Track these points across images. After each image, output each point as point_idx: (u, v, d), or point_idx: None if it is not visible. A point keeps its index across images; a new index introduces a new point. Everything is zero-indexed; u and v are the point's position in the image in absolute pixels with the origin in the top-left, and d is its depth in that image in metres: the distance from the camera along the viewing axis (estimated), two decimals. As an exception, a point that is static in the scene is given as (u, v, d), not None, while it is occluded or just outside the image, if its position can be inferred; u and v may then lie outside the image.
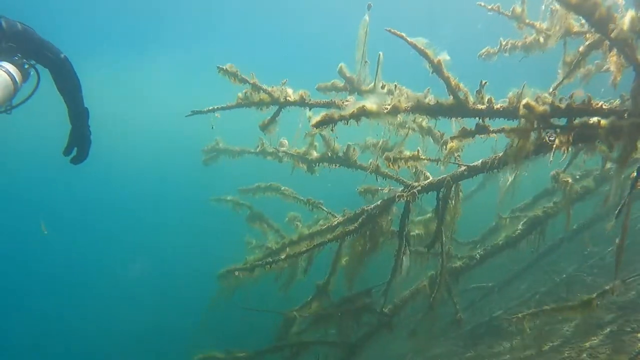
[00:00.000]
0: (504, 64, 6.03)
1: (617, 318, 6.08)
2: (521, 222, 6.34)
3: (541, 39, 4.97)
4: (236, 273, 6.02)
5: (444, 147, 5.47)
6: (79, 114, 5.16)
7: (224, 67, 5.11)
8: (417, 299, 6.21)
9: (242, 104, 5.21)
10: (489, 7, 5.14)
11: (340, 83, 5.63)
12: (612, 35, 3.66)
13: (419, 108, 4.10)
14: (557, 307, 4.92)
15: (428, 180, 5.17)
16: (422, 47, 4.13)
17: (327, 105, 4.76)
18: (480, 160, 4.76)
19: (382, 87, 4.26)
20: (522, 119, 3.93)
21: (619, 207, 4.00)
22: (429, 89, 4.67)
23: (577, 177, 6.52)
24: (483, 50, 5.94)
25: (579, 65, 4.53)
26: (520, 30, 5.06)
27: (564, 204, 5.16)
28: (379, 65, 5.28)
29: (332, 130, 3.94)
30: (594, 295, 4.91)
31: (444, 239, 5.20)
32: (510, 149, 4.11)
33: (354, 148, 5.96)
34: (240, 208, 7.82)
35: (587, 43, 4.32)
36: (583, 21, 4.55)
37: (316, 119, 3.80)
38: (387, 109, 3.92)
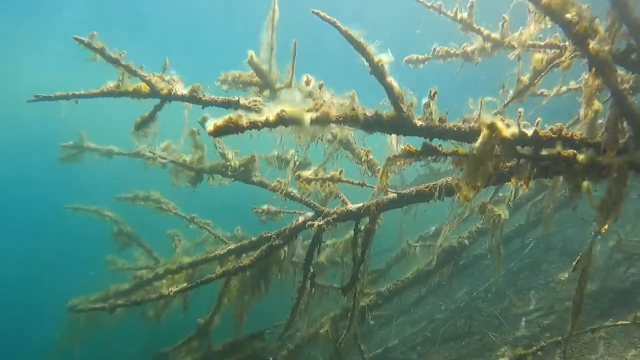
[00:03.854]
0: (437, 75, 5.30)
1: None
2: (434, 253, 5.63)
3: (488, 48, 4.24)
4: (87, 311, 4.56)
5: (366, 166, 4.56)
6: None
7: (84, 40, 3.71)
8: (316, 343, 5.22)
9: (109, 93, 3.84)
10: (428, 4, 4.32)
11: (249, 75, 4.46)
12: (592, 51, 2.97)
13: (353, 119, 3.10)
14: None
15: (346, 207, 4.20)
16: (359, 40, 3.15)
17: (227, 104, 3.59)
18: (415, 188, 3.89)
19: (307, 83, 3.19)
20: (482, 143, 3.12)
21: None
22: (354, 93, 3.72)
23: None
24: (410, 57, 5.12)
25: (532, 85, 3.85)
26: (466, 35, 4.30)
27: (495, 242, 4.50)
28: (294, 58, 4.21)
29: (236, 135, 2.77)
30: (531, 350, 4.31)
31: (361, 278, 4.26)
32: (461, 178, 3.28)
33: (252, 158, 4.83)
34: (104, 220, 6.25)
35: (547, 59, 3.63)
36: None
37: (215, 123, 2.60)
38: (313, 117, 2.85)
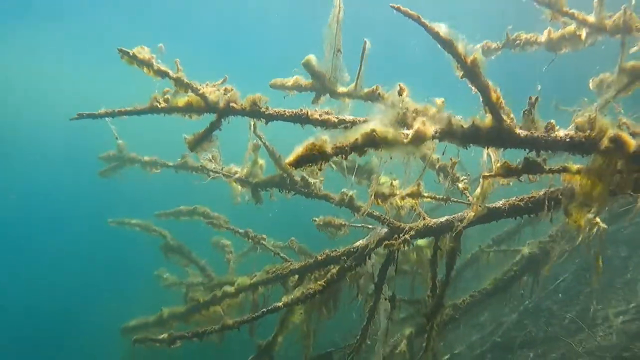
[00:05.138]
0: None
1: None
2: (513, 261, 5.12)
3: (582, 34, 3.67)
4: (144, 342, 4.27)
5: (446, 177, 4.08)
6: None
7: (130, 52, 3.34)
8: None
9: (158, 108, 3.47)
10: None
11: (304, 80, 4.04)
12: None
13: (450, 134, 2.63)
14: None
15: (425, 222, 3.75)
16: (448, 38, 2.67)
17: (295, 118, 3.15)
18: (507, 202, 3.39)
19: (400, 93, 2.75)
20: (602, 158, 2.61)
21: None
22: (442, 101, 3.25)
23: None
24: (480, 45, 4.59)
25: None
26: (555, 21, 3.74)
27: (594, 254, 3.97)
28: (362, 58, 3.75)
29: (320, 168, 2.35)
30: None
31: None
32: (573, 199, 2.78)
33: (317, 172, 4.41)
34: (151, 234, 5.95)
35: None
36: None
37: (297, 152, 2.20)
38: (409, 138, 2.39)
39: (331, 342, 7.55)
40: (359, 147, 2.31)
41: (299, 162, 2.23)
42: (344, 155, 2.30)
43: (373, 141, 2.32)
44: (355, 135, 2.32)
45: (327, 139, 2.28)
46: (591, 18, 3.58)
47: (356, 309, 4.55)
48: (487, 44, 4.58)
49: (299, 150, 2.22)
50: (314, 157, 2.23)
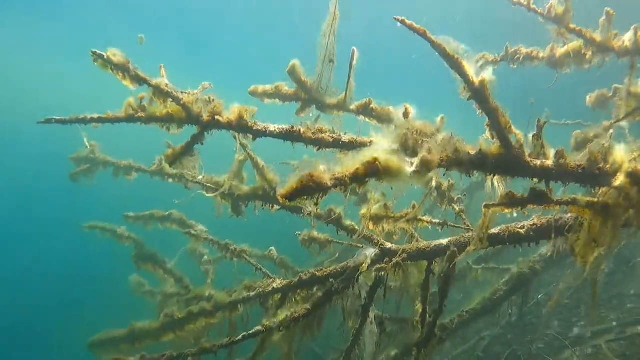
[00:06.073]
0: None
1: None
2: (503, 280, 4.96)
3: (589, 53, 3.48)
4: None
5: (440, 197, 3.88)
6: None
7: (104, 54, 3.05)
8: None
9: (135, 118, 3.18)
10: (515, -1, 3.58)
11: (287, 88, 3.78)
12: None
13: (457, 163, 2.42)
14: None
15: (418, 245, 3.54)
16: (456, 56, 2.46)
17: (286, 135, 2.89)
18: (506, 227, 3.20)
19: (406, 115, 2.53)
20: (616, 193, 2.43)
21: None
22: (442, 118, 3.03)
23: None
24: (476, 57, 4.38)
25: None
26: (561, 38, 3.55)
27: (591, 279, 3.82)
28: (352, 68, 3.51)
29: (316, 202, 2.12)
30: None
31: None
32: (581, 235, 2.59)
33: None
34: (123, 242, 5.60)
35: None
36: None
37: (291, 185, 1.96)
38: (414, 168, 2.17)
39: (311, 354, 7.35)
40: (360, 178, 2.08)
41: (293, 195, 1.98)
42: (343, 187, 2.07)
43: (376, 171, 2.09)
44: (355, 164, 2.09)
45: (324, 169, 2.04)
46: (598, 36, 3.40)
47: (338, 320, 4.34)
48: (485, 56, 4.39)
49: (293, 182, 1.98)
50: (310, 189, 1.99)
